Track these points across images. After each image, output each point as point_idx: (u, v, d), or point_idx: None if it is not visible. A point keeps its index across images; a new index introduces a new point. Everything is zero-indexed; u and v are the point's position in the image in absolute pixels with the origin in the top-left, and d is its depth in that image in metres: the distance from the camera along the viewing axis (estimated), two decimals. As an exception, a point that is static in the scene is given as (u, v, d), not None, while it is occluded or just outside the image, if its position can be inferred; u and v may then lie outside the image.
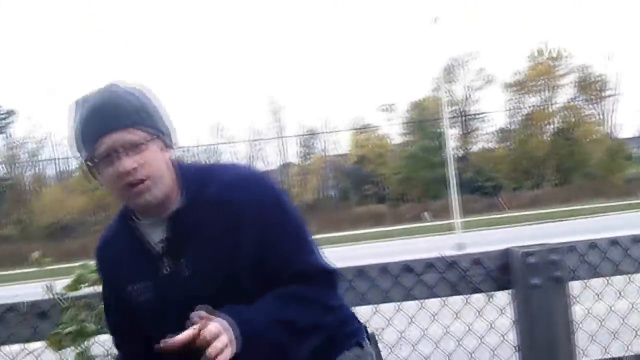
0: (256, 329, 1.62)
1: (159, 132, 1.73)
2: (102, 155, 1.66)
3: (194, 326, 1.50)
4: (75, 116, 1.73)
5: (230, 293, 1.67)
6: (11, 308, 2.32)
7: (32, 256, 2.35)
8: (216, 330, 1.51)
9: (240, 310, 1.62)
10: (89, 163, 1.70)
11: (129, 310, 1.81)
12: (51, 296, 2.30)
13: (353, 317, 1.97)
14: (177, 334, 1.48)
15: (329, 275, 1.83)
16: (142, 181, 1.67)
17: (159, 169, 1.71)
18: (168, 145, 1.77)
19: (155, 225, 1.76)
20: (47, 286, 2.28)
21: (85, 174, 1.79)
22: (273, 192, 1.81)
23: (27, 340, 2.34)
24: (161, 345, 1.46)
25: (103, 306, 1.98)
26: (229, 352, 1.52)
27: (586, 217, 28.69)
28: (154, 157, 1.70)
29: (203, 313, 1.54)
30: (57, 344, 2.23)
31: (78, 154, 1.74)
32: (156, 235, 1.76)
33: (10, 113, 52.99)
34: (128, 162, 1.65)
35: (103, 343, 2.33)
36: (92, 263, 2.27)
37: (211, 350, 1.48)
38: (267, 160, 55.19)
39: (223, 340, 1.51)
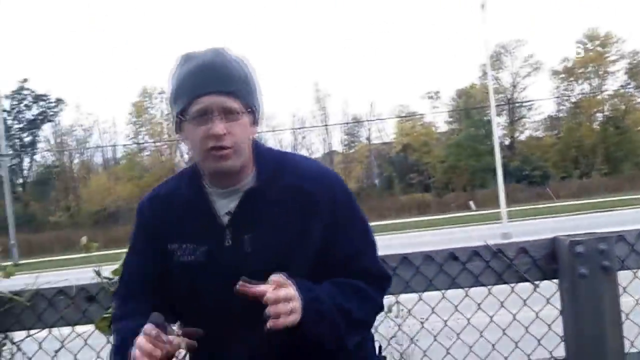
0: (320, 308, 1.67)
1: (253, 107, 1.79)
2: (198, 112, 1.71)
3: (271, 282, 1.56)
4: (179, 68, 1.78)
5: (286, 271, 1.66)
6: (61, 291, 2.37)
7: (81, 241, 2.40)
8: (290, 295, 1.58)
9: (310, 287, 1.67)
10: (180, 116, 1.75)
11: (166, 266, 1.81)
12: (99, 280, 2.34)
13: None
14: (219, 305, 1.63)
15: (386, 281, 1.91)
16: (227, 148, 1.71)
17: (244, 142, 1.76)
18: (256, 122, 1.82)
19: (224, 196, 1.81)
20: (95, 271, 2.32)
21: (175, 126, 1.81)
22: (345, 189, 1.90)
23: (76, 324, 2.38)
24: (238, 287, 1.54)
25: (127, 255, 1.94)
26: (294, 318, 1.58)
27: (636, 208, 28.13)
28: (243, 129, 1.75)
29: (278, 277, 1.59)
30: (107, 328, 2.27)
31: (173, 105, 1.79)
32: (222, 206, 1.80)
33: (59, 101, 53.97)
34: (221, 127, 1.69)
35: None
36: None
37: (281, 309, 1.54)
38: (312, 149, 55.18)
39: (294, 306, 1.58)
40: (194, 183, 1.86)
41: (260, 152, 1.86)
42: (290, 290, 1.59)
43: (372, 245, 1.91)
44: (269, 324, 1.54)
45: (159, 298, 1.81)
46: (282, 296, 1.56)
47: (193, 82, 1.72)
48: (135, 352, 1.57)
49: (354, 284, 1.79)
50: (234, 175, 1.79)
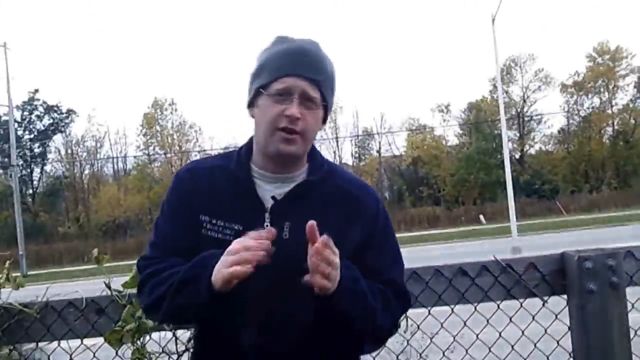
0: (356, 289, 1.72)
1: (329, 104, 1.85)
2: (280, 91, 1.76)
3: (323, 241, 1.59)
4: (272, 46, 1.84)
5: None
6: (70, 304, 2.37)
7: (92, 254, 2.40)
8: (333, 261, 1.62)
9: (353, 268, 1.75)
10: (261, 90, 1.79)
11: (196, 236, 1.81)
12: (109, 293, 2.35)
13: None
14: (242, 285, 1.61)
15: (408, 302, 1.96)
16: (296, 132, 1.76)
17: (312, 132, 1.82)
18: (324, 119, 1.89)
19: (271, 181, 1.84)
20: (105, 283, 2.33)
21: (249, 99, 1.86)
22: (383, 206, 1.98)
23: (85, 336, 2.39)
24: (309, 227, 1.58)
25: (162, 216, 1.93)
26: (328, 284, 1.62)
27: (646, 222, 27.98)
28: (315, 120, 1.81)
29: (329, 241, 1.61)
30: (118, 342, 2.28)
31: (254, 79, 1.84)
32: (267, 191, 1.83)
33: (70, 112, 54.17)
34: (297, 110, 1.74)
35: (159, 340, 2.37)
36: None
37: (321, 268, 1.59)
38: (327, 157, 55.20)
39: (333, 273, 1.62)
40: (242, 161, 1.87)
41: (314, 150, 1.92)
42: (336, 258, 1.63)
43: (402, 263, 1.97)
44: (306, 277, 1.60)
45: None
46: (326, 256, 1.60)
47: (284, 61, 1.78)
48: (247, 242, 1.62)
49: (385, 292, 1.84)
50: (290, 162, 1.83)
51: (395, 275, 1.91)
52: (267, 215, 1.79)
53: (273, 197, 1.81)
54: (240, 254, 1.60)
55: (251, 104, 1.86)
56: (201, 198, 1.83)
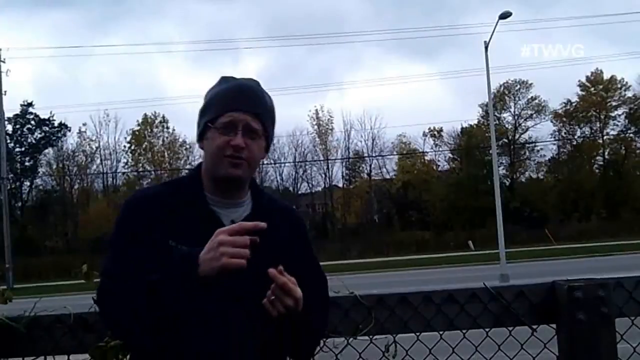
0: (307, 314, 1.91)
1: (269, 135, 2.07)
2: (225, 124, 1.96)
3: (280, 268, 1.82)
4: (217, 86, 2.06)
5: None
6: (58, 319, 2.36)
7: (82, 269, 2.39)
8: (293, 289, 1.84)
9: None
10: (209, 124, 1.99)
11: (163, 261, 1.84)
12: (97, 309, 2.33)
13: None
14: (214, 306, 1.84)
15: (328, 305, 2.20)
16: (241, 159, 1.95)
17: (255, 160, 2.02)
18: (266, 149, 2.10)
19: (225, 206, 2.01)
20: (94, 299, 2.32)
21: (198, 133, 2.06)
22: None
23: (72, 352, 2.37)
24: (274, 271, 1.80)
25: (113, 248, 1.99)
26: (296, 304, 1.84)
27: (635, 253, 28.06)
28: (258, 149, 2.01)
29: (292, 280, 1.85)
30: (101, 358, 2.26)
31: (202, 115, 2.04)
32: (223, 215, 1.99)
33: (62, 126, 54.05)
34: (241, 140, 1.94)
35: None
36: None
37: (292, 287, 1.83)
38: (312, 182, 55.14)
39: (298, 292, 1.85)
40: (194, 189, 2.03)
41: (254, 180, 2.13)
42: (295, 287, 1.84)
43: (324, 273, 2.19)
44: (267, 305, 1.83)
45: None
46: (295, 295, 1.83)
47: (228, 97, 1.99)
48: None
49: (324, 312, 2.14)
50: (237, 187, 2.02)
51: (323, 284, 2.15)
52: None
53: (232, 221, 1.94)
54: (228, 248, 1.75)
55: (201, 138, 2.05)
56: (164, 223, 1.93)
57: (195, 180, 2.05)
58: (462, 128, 54.38)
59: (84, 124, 53.27)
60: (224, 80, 2.07)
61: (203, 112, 2.04)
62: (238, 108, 1.96)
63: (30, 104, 53.66)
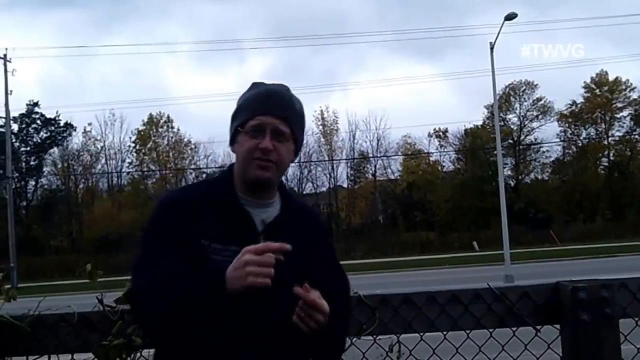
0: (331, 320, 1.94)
1: (298, 138, 2.13)
2: (254, 127, 2.03)
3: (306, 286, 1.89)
4: (248, 92, 2.14)
5: (300, 279, 1.91)
6: (62, 318, 2.36)
7: (86, 268, 2.40)
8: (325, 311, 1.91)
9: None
10: (239, 128, 2.06)
11: (197, 260, 1.92)
12: (101, 308, 2.34)
13: None
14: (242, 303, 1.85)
15: (350, 307, 2.29)
16: (270, 161, 2.02)
17: (284, 162, 2.08)
18: (296, 152, 2.16)
19: (256, 206, 2.07)
20: (98, 298, 2.32)
21: (230, 137, 2.13)
22: None
23: (76, 351, 2.38)
24: (299, 289, 1.86)
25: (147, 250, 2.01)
26: (325, 318, 1.91)
27: (639, 254, 27.99)
28: (287, 152, 2.08)
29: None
30: (104, 356, 2.26)
31: (233, 120, 2.12)
32: (255, 214, 2.05)
33: (68, 126, 54.12)
34: (269, 143, 2.00)
35: (148, 357, 2.36)
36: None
37: (319, 302, 1.89)
38: (317, 183, 55.10)
39: (326, 306, 1.90)
40: (227, 189, 2.09)
41: (282, 183, 2.19)
42: (321, 300, 1.90)
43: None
44: (297, 321, 1.90)
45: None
46: (324, 310, 1.89)
47: (257, 102, 2.06)
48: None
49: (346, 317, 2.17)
50: (266, 189, 2.08)
51: (346, 285, 2.21)
52: (261, 237, 1.99)
53: (263, 221, 2.05)
54: (254, 268, 1.78)
55: (232, 142, 2.12)
56: (196, 222, 1.98)
57: (228, 180, 2.11)
58: (465, 129, 54.34)
59: (89, 124, 53.36)
60: (255, 85, 2.15)
61: (234, 117, 2.12)
62: (266, 112, 2.03)
63: (36, 104, 53.80)
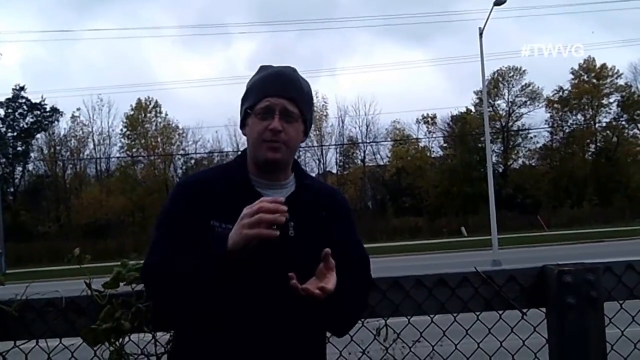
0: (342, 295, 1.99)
1: (307, 118, 2.16)
2: (263, 109, 2.07)
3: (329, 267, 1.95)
4: (257, 74, 2.17)
5: (317, 258, 1.96)
6: (50, 303, 2.36)
7: (74, 252, 2.39)
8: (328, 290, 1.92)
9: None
10: (248, 110, 2.12)
11: (202, 242, 1.96)
12: (89, 293, 2.33)
13: None
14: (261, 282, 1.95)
15: (372, 282, 2.31)
16: (280, 142, 2.05)
17: (294, 143, 2.12)
18: (306, 132, 2.20)
19: (268, 187, 2.12)
20: (86, 283, 2.32)
21: (240, 120, 2.18)
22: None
23: (64, 336, 2.37)
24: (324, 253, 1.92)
25: (163, 227, 2.10)
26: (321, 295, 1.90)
27: (626, 239, 28.19)
28: (296, 132, 2.11)
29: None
30: (92, 340, 2.26)
31: (243, 103, 2.16)
32: (266, 195, 2.04)
33: (54, 111, 53.77)
34: (278, 124, 2.04)
35: (138, 342, 2.36)
36: (132, 262, 2.31)
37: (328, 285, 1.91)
38: (306, 168, 54.86)
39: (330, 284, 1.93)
40: (240, 172, 2.14)
41: (297, 162, 2.24)
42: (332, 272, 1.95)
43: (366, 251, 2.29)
44: (296, 285, 1.87)
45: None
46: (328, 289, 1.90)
47: (265, 84, 2.10)
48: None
49: (361, 282, 2.21)
50: (279, 169, 2.13)
51: (365, 261, 2.26)
52: None
53: None
54: (261, 215, 1.84)
55: (243, 124, 2.16)
56: (209, 205, 2.04)
57: (242, 164, 2.16)
58: (452, 116, 54.38)
59: (78, 109, 52.99)
60: (262, 68, 2.18)
61: (244, 99, 2.16)
62: (274, 93, 2.06)
63: (22, 88, 53.35)
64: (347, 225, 2.23)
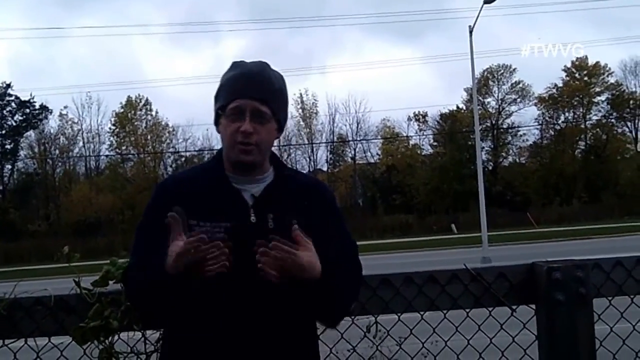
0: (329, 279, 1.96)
1: (280, 117, 2.15)
2: (233, 111, 2.06)
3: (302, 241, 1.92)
4: (228, 72, 2.15)
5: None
6: (38, 301, 2.35)
7: (63, 250, 2.38)
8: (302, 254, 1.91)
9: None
10: (219, 111, 2.11)
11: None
12: (78, 291, 2.32)
13: None
14: (235, 276, 1.90)
15: (361, 270, 2.26)
16: (251, 144, 2.05)
17: (267, 143, 2.11)
18: (279, 130, 2.19)
19: (245, 183, 2.10)
20: (75, 281, 2.31)
21: (214, 119, 2.16)
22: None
23: (53, 334, 2.36)
24: (272, 243, 1.84)
25: (142, 230, 2.12)
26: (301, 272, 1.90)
27: (615, 236, 28.32)
28: (268, 132, 2.10)
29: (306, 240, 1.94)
30: (81, 338, 2.25)
31: (215, 101, 2.14)
32: (244, 191, 2.08)
33: (43, 108, 53.48)
34: (249, 126, 2.03)
35: (127, 340, 2.36)
36: (121, 260, 2.30)
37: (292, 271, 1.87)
38: (297, 166, 54.98)
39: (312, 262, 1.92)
40: (217, 170, 2.14)
41: (275, 156, 2.24)
42: (306, 248, 1.92)
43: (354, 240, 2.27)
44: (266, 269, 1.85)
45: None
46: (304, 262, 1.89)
47: (235, 85, 2.08)
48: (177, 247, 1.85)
49: (347, 269, 2.15)
50: (253, 169, 2.11)
51: (352, 251, 2.22)
52: (251, 210, 2.04)
53: (252, 195, 2.08)
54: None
55: (217, 122, 2.15)
56: (186, 204, 2.00)
57: (218, 162, 2.16)
58: (441, 114, 54.42)
59: (65, 107, 52.73)
60: (234, 65, 2.16)
61: (216, 97, 2.15)
62: (244, 94, 2.05)
63: (9, 85, 52.98)
64: (332, 214, 2.20)
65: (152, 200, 2.14)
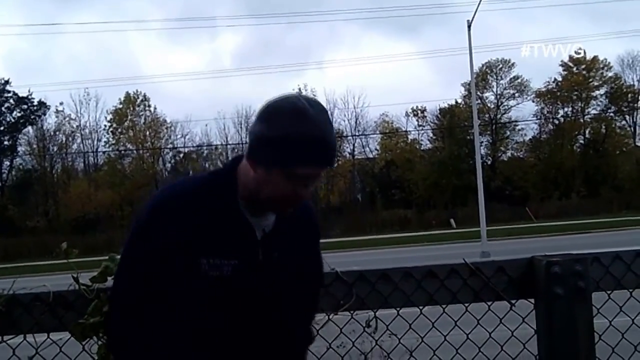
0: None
1: None
2: (301, 177, 1.81)
3: None
4: (297, 124, 1.76)
5: (300, 288, 2.04)
6: (37, 297, 2.34)
7: (61, 246, 2.37)
8: None
9: None
10: (282, 168, 1.78)
11: (193, 281, 1.85)
12: (77, 287, 2.32)
13: None
14: (245, 313, 1.89)
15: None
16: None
17: None
18: None
19: (256, 215, 1.93)
20: (73, 277, 2.31)
21: (258, 158, 1.83)
22: None
23: (52, 330, 2.36)
24: None
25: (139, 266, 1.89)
26: None
27: (614, 230, 28.34)
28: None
29: None
30: (80, 334, 2.25)
31: (269, 146, 1.78)
32: (257, 226, 1.93)
33: (42, 105, 53.41)
34: (308, 194, 1.90)
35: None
36: (119, 257, 2.30)
37: None
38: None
39: None
40: (228, 197, 1.90)
41: None
42: None
43: None
44: None
45: (182, 313, 1.88)
46: None
47: (313, 151, 1.77)
48: None
49: None
50: None
51: (322, 280, 2.26)
52: (259, 248, 1.93)
53: (263, 230, 1.94)
54: None
55: (256, 160, 1.82)
56: (194, 236, 1.84)
57: (230, 187, 1.90)
58: (439, 109, 54.40)
59: (61, 103, 52.63)
60: (302, 115, 1.77)
61: (274, 147, 1.77)
62: (322, 165, 1.83)
63: (7, 82, 52.89)
64: (316, 243, 2.20)
65: (149, 230, 1.87)
